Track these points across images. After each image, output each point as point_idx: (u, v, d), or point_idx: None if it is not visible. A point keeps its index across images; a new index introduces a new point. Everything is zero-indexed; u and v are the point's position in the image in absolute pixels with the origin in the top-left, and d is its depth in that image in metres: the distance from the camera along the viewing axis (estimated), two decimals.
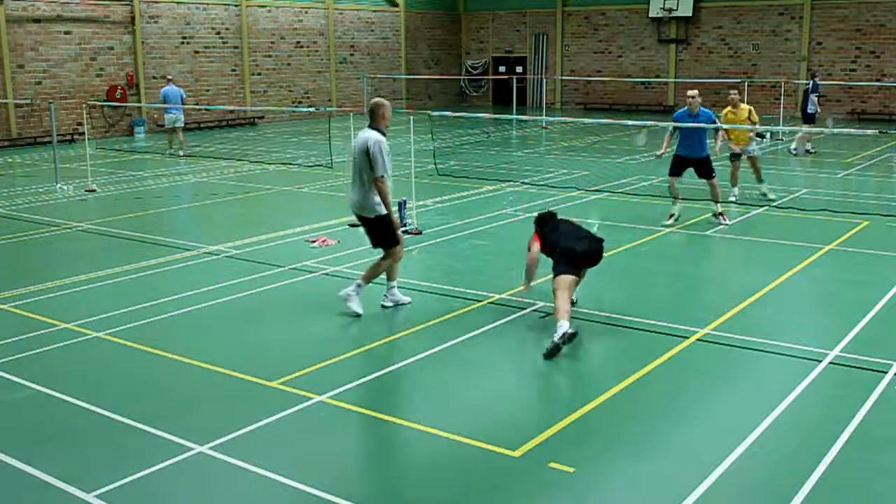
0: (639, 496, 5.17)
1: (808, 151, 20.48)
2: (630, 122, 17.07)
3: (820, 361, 7.18)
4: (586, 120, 20.07)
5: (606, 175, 17.15)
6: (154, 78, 26.63)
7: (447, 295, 9.20)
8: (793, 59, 31.00)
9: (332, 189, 16.08)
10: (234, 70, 29.50)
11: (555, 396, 6.67)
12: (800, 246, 11.31)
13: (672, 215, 12.61)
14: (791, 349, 7.46)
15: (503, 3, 37.05)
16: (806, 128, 18.46)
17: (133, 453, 5.67)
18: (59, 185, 16.41)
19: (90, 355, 7.62)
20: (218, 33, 28.87)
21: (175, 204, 15.16)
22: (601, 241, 8.29)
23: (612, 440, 5.88)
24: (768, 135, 23.98)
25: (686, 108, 12.65)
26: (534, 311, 8.57)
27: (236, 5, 29.21)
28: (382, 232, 8.52)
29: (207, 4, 28.38)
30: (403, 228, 11.20)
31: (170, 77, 23.44)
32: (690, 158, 12.65)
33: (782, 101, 27.12)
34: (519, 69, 36.10)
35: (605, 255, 8.38)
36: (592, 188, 15.70)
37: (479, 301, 8.92)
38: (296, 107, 29.99)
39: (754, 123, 14.06)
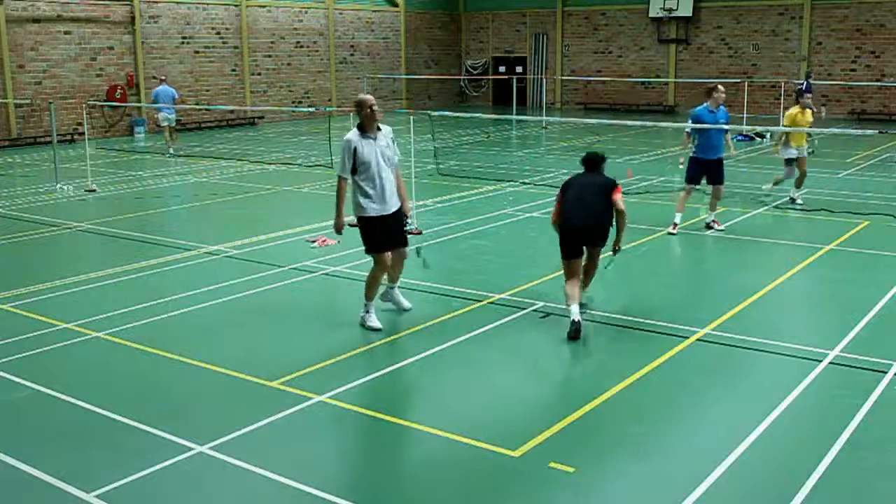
0: (639, 496, 5.16)
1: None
2: (630, 123, 17.03)
3: (820, 361, 7.18)
4: (586, 120, 20.06)
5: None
6: (154, 78, 26.61)
7: (447, 295, 9.20)
8: (793, 59, 31.00)
9: (332, 189, 16.00)
10: (234, 70, 29.50)
11: (555, 396, 6.67)
12: (800, 246, 11.31)
13: (676, 224, 12.00)
14: (791, 349, 7.46)
15: (503, 3, 37.05)
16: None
17: (133, 453, 5.66)
18: (59, 185, 16.41)
19: (90, 355, 7.62)
20: (218, 33, 28.87)
21: (175, 204, 15.16)
22: (607, 212, 8.12)
23: (612, 440, 5.88)
24: (769, 135, 24.00)
25: (706, 105, 11.97)
26: (534, 311, 8.57)
27: (236, 5, 29.21)
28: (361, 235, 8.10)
29: (207, 4, 28.39)
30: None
31: (161, 77, 23.67)
32: (709, 160, 11.97)
33: (782, 101, 27.12)
34: (519, 69, 36.10)
35: (602, 255, 8.38)
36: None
37: (479, 301, 8.92)
38: (296, 107, 29.99)
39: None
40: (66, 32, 24.79)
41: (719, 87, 12.14)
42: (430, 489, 5.30)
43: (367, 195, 7.85)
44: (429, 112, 15.88)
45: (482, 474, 5.40)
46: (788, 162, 13.86)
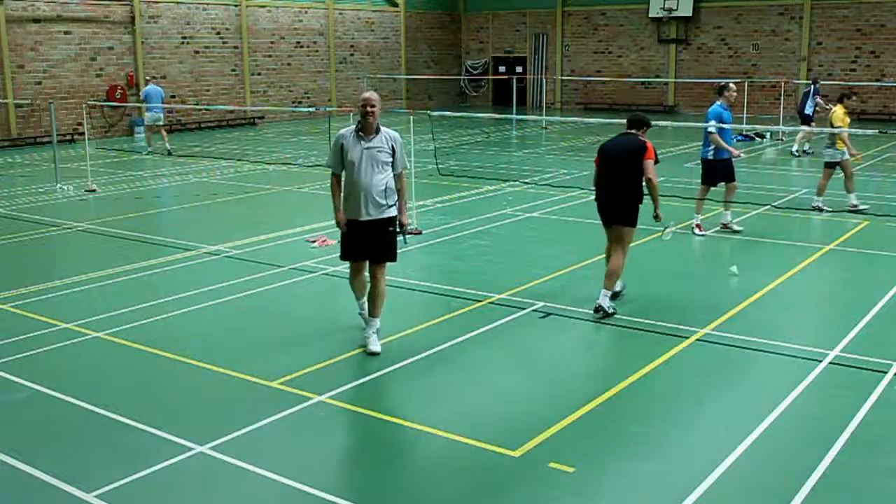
0: (639, 496, 5.16)
1: (804, 152, 20.49)
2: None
3: (820, 361, 7.18)
4: (586, 120, 20.06)
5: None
6: (154, 78, 26.59)
7: (447, 295, 9.20)
8: (793, 59, 31.00)
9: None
10: (234, 70, 29.50)
11: (555, 396, 6.67)
12: (800, 246, 11.31)
13: (699, 225, 11.93)
14: (791, 349, 7.46)
15: (503, 3, 37.04)
16: (805, 128, 18.46)
17: (133, 453, 5.66)
18: (59, 185, 16.41)
19: (90, 355, 7.62)
20: (218, 33, 28.86)
21: (175, 204, 15.16)
22: (633, 186, 8.49)
23: (612, 440, 5.88)
24: (769, 134, 24.00)
25: (720, 103, 11.88)
26: (534, 311, 8.57)
27: (236, 5, 29.21)
28: None
29: (207, 4, 28.38)
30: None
31: (149, 77, 24.12)
32: (724, 160, 11.92)
33: (782, 101, 27.12)
34: (519, 69, 36.08)
35: (603, 255, 8.38)
36: (592, 188, 15.68)
37: (479, 301, 8.92)
38: (296, 107, 29.99)
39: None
40: (66, 32, 24.78)
41: (731, 84, 12.14)
42: (430, 489, 5.30)
43: (345, 196, 7.46)
44: (429, 112, 15.88)
45: (482, 474, 5.40)
46: (832, 165, 13.24)
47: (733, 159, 12.10)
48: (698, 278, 10.44)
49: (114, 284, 9.79)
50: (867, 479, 5.30)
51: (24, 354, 7.52)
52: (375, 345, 7.45)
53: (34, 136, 24.23)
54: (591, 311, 8.38)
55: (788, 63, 31.03)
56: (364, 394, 6.72)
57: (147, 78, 23.68)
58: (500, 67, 37.27)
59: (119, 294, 9.36)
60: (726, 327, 8.05)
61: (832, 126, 13.21)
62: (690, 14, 32.35)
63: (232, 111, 29.36)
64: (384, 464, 5.71)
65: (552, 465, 5.44)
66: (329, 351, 7.49)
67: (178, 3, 27.51)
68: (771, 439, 5.81)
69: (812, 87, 21.26)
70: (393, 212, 7.46)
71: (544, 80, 33.58)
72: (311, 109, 28.70)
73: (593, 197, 8.88)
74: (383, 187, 7.34)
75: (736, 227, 12.14)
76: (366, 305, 7.71)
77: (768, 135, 23.96)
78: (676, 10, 32.46)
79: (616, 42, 34.64)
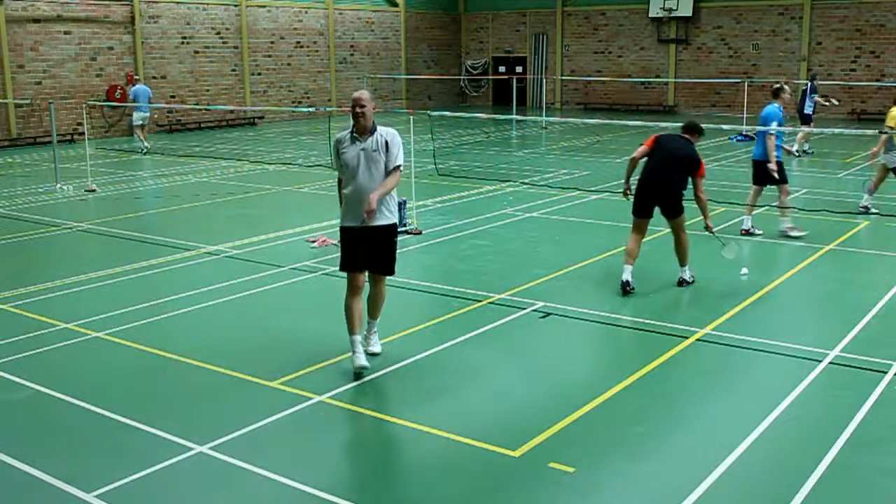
0: (639, 496, 5.16)
1: (804, 152, 20.48)
2: (630, 123, 17.03)
3: (820, 361, 7.18)
4: (586, 120, 20.07)
5: (606, 175, 17.16)
6: (154, 78, 26.63)
7: (447, 295, 9.19)
8: (793, 59, 31.00)
9: (331, 189, 16.05)
10: (234, 70, 29.50)
11: (554, 396, 6.67)
12: (800, 246, 11.31)
13: (746, 230, 11.73)
14: (791, 349, 7.46)
15: (503, 3, 37.04)
16: (805, 128, 18.46)
17: (133, 453, 5.66)
18: (59, 185, 16.41)
19: (90, 355, 7.62)
20: (218, 33, 28.86)
21: (175, 204, 15.16)
22: (682, 185, 8.76)
23: (612, 440, 5.88)
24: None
25: (778, 103, 11.91)
26: (534, 311, 8.57)
27: (236, 5, 29.21)
28: None
29: (207, 4, 28.38)
30: (403, 228, 11.10)
31: (137, 77, 24.73)
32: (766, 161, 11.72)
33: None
34: (519, 69, 36.09)
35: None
36: (592, 188, 15.71)
37: (479, 301, 8.92)
38: (296, 107, 29.99)
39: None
40: (65, 32, 24.79)
41: (786, 86, 12.18)
42: (430, 489, 5.30)
43: (345, 202, 7.04)
44: (428, 112, 15.90)
45: (482, 474, 5.40)
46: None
47: (781, 160, 11.85)
48: (698, 278, 10.43)
49: (114, 284, 9.79)
50: (867, 479, 5.30)
51: (24, 354, 7.52)
52: (376, 345, 7.40)
53: (34, 136, 24.23)
54: (592, 311, 8.39)
55: (788, 63, 31.03)
56: (364, 394, 6.72)
57: (136, 77, 23.83)
58: (500, 67, 37.28)
59: (119, 294, 9.36)
60: (726, 327, 8.05)
61: (890, 128, 12.80)
62: (690, 14, 32.36)
63: (232, 111, 29.36)
64: (384, 464, 5.71)
65: (552, 465, 5.44)
66: (329, 351, 7.49)
67: (178, 3, 27.52)
68: (771, 439, 5.81)
69: (809, 84, 21.26)
70: (394, 218, 7.12)
71: (544, 80, 33.58)
72: (310, 109, 28.71)
73: (628, 165, 9.35)
74: (383, 188, 6.91)
75: (757, 231, 11.89)
76: (358, 344, 7.01)
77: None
78: (676, 10, 32.47)
79: (616, 42, 34.64)
